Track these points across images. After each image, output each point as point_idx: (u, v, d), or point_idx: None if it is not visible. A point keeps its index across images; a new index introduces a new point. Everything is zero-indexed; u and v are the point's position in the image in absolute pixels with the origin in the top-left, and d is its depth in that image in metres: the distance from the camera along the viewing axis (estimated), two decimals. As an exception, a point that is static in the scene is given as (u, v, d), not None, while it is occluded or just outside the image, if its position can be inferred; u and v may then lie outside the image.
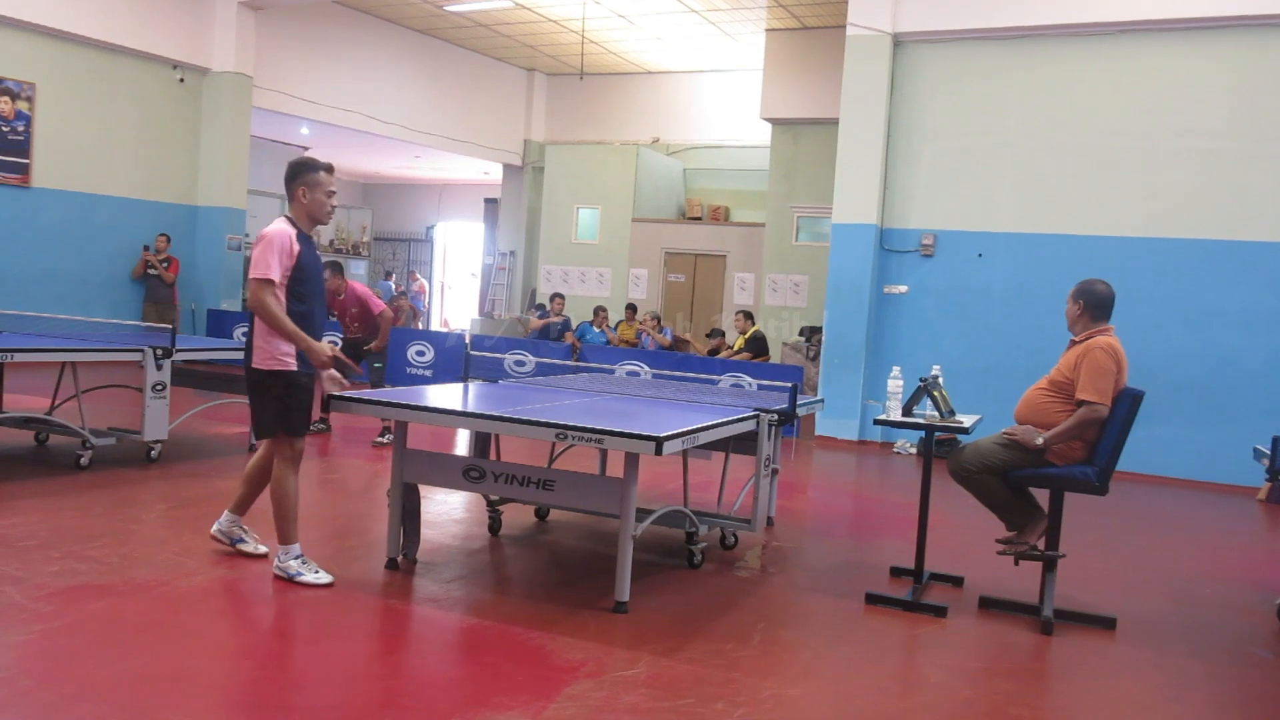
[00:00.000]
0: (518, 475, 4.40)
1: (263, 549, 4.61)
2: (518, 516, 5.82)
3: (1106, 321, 4.57)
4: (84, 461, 6.31)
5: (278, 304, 4.15)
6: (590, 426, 4.00)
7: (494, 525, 5.50)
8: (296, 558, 4.33)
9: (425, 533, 5.10)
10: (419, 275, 23.10)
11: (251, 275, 4.15)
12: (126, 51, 12.69)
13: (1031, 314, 9.78)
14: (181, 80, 13.40)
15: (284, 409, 4.28)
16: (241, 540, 4.63)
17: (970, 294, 10.22)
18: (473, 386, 5.59)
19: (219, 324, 13.17)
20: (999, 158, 10.16)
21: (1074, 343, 4.60)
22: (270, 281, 4.12)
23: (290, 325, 4.15)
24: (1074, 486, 4.46)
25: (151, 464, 6.61)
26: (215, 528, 4.66)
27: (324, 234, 18.53)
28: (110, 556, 4.48)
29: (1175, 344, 9.40)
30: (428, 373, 12.50)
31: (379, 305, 8.54)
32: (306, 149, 19.37)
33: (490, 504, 5.51)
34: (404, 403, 4.52)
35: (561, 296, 14.61)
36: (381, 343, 8.53)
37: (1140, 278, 9.45)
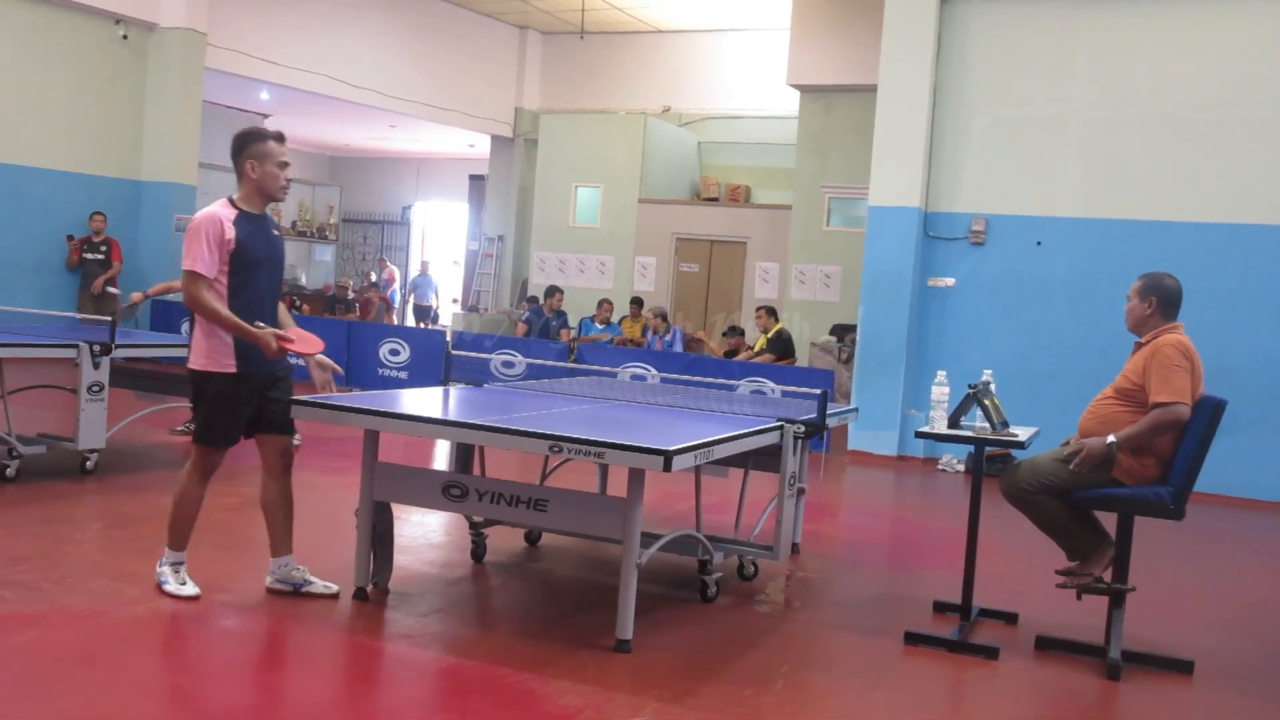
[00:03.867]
0: (505, 494, 4.40)
1: (334, 588, 4.60)
2: (505, 541, 5.82)
3: (1176, 319, 4.58)
4: (10, 473, 6.32)
5: (212, 296, 4.22)
6: (589, 438, 4.00)
7: (478, 551, 5.50)
8: (173, 564, 4.44)
9: (399, 559, 5.10)
10: (389, 263, 23.15)
11: (182, 266, 4.26)
12: (62, 4, 12.73)
13: (1098, 311, 9.74)
14: (125, 37, 13.43)
15: (209, 415, 4.36)
16: (307, 583, 4.60)
17: (1027, 288, 10.20)
18: (454, 391, 5.59)
19: (165, 317, 13.19)
20: (1061, 131, 10.13)
21: (1139, 345, 4.60)
22: (198, 275, 4.20)
23: (227, 315, 4.22)
24: (1145, 509, 4.44)
25: (87, 476, 6.62)
26: (269, 580, 4.63)
27: (285, 215, 18.57)
28: (39, 581, 4.49)
29: (1263, 345, 9.36)
30: (403, 374, 12.51)
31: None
32: (267, 116, 19.42)
33: (474, 526, 5.51)
34: (374, 409, 4.52)
35: (560, 291, 14.52)
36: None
37: (1223, 269, 9.41)
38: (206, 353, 4.31)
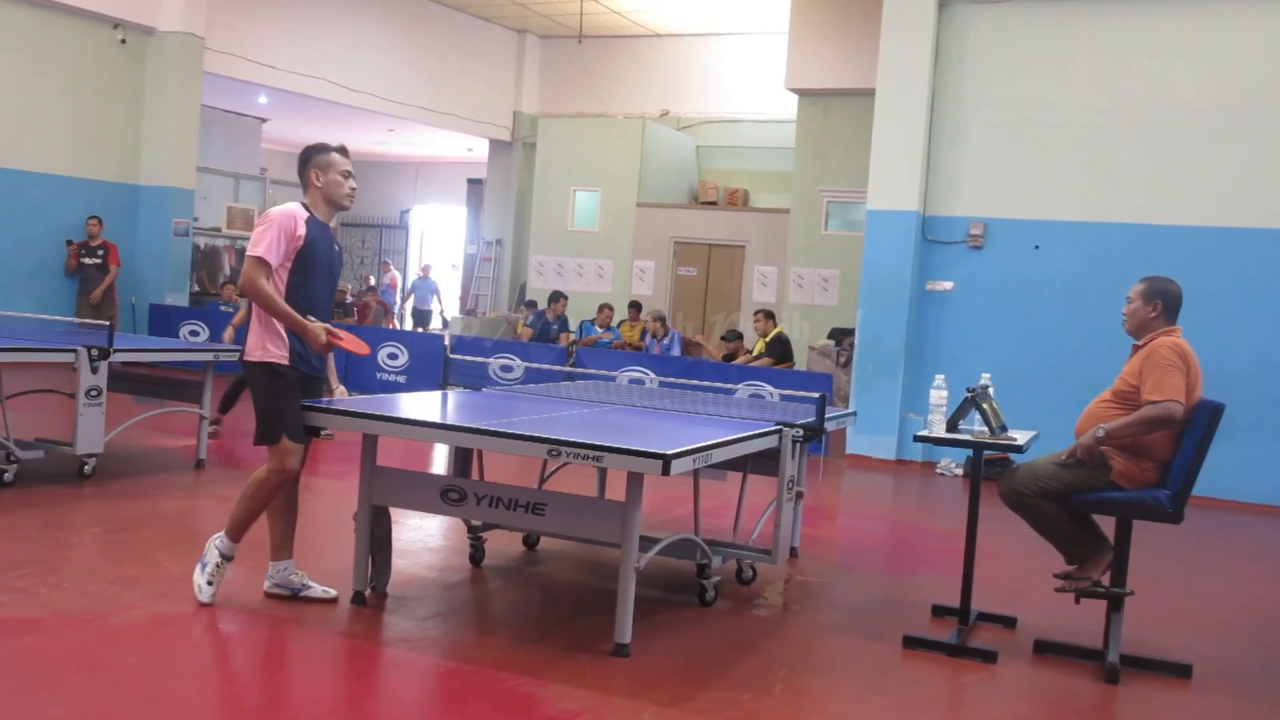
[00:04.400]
0: (504, 498, 4.40)
1: (332, 593, 4.60)
2: (503, 545, 5.82)
3: (1176, 323, 4.59)
4: (7, 477, 6.32)
5: (269, 285, 4.30)
6: (587, 442, 4.00)
7: (476, 555, 5.50)
8: (223, 558, 4.44)
9: (397, 563, 5.10)
10: (391, 266, 23.14)
11: (248, 252, 4.35)
12: (60, 8, 12.73)
13: (1096, 315, 9.76)
14: (123, 41, 13.44)
15: (269, 404, 4.37)
16: (305, 588, 4.60)
17: (1026, 291, 10.21)
18: (452, 395, 5.60)
19: (163, 321, 13.19)
20: (1059, 135, 10.15)
21: (1137, 348, 4.61)
22: (263, 261, 4.28)
23: (282, 304, 4.30)
24: (1144, 513, 4.45)
25: (85, 481, 6.62)
26: (268, 584, 4.61)
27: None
28: (37, 586, 4.49)
29: (1261, 349, 9.37)
30: (401, 378, 12.52)
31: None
32: (265, 120, 19.44)
33: (472, 530, 5.52)
34: (373, 413, 4.52)
35: (564, 297, 14.40)
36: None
37: (1221, 273, 9.43)
38: (262, 344, 4.37)
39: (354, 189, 4.62)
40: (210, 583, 4.42)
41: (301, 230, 4.37)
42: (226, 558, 4.45)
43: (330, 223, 4.62)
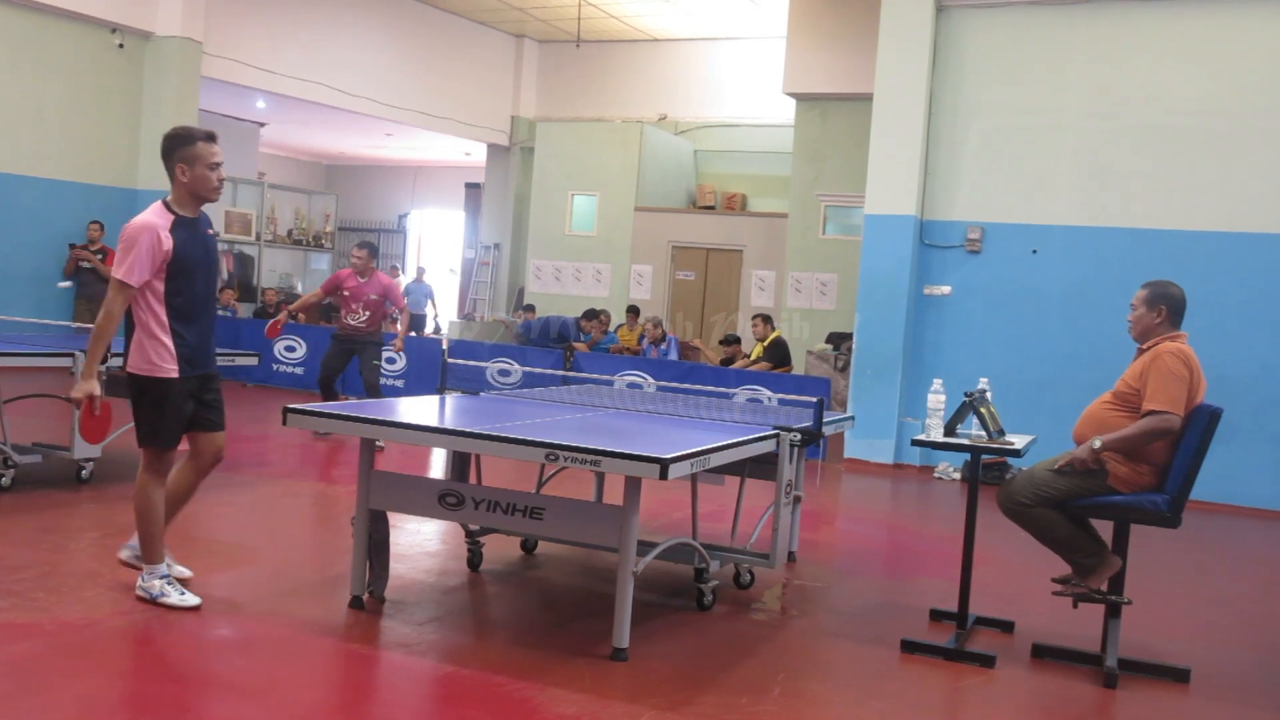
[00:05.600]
0: (501, 502, 4.40)
1: (187, 571, 4.69)
2: (501, 549, 5.82)
3: (1179, 328, 4.59)
4: (5, 482, 6.32)
5: (120, 309, 4.28)
6: (585, 446, 4.00)
7: (474, 559, 5.50)
8: (162, 577, 4.43)
9: (395, 567, 5.10)
10: (400, 271, 23.07)
11: (113, 275, 4.28)
12: (57, 12, 12.73)
13: (1093, 319, 9.78)
14: (121, 45, 13.44)
15: (155, 419, 4.38)
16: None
17: (1023, 296, 10.22)
18: (450, 399, 5.60)
19: (161, 325, 13.16)
20: (1056, 140, 10.16)
21: (1141, 351, 4.61)
22: (125, 285, 4.24)
23: (100, 347, 4.29)
24: (1141, 517, 4.45)
25: (82, 485, 6.61)
26: (125, 554, 4.65)
27: (281, 223, 18.57)
28: (34, 591, 4.48)
29: (1259, 354, 9.39)
30: (399, 383, 12.51)
31: (402, 301, 9.43)
32: (263, 125, 19.44)
33: (470, 535, 5.51)
34: (372, 417, 4.52)
35: (607, 314, 14.07)
36: (400, 342, 9.39)
37: (1218, 278, 9.44)
38: (149, 358, 4.34)
39: (223, 180, 4.47)
40: (182, 593, 4.43)
41: (167, 244, 4.26)
42: (166, 576, 4.46)
43: (198, 212, 4.46)
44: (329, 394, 9.08)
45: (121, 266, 4.22)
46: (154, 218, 4.32)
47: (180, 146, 4.38)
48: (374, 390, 9.05)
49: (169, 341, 4.33)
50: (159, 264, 4.27)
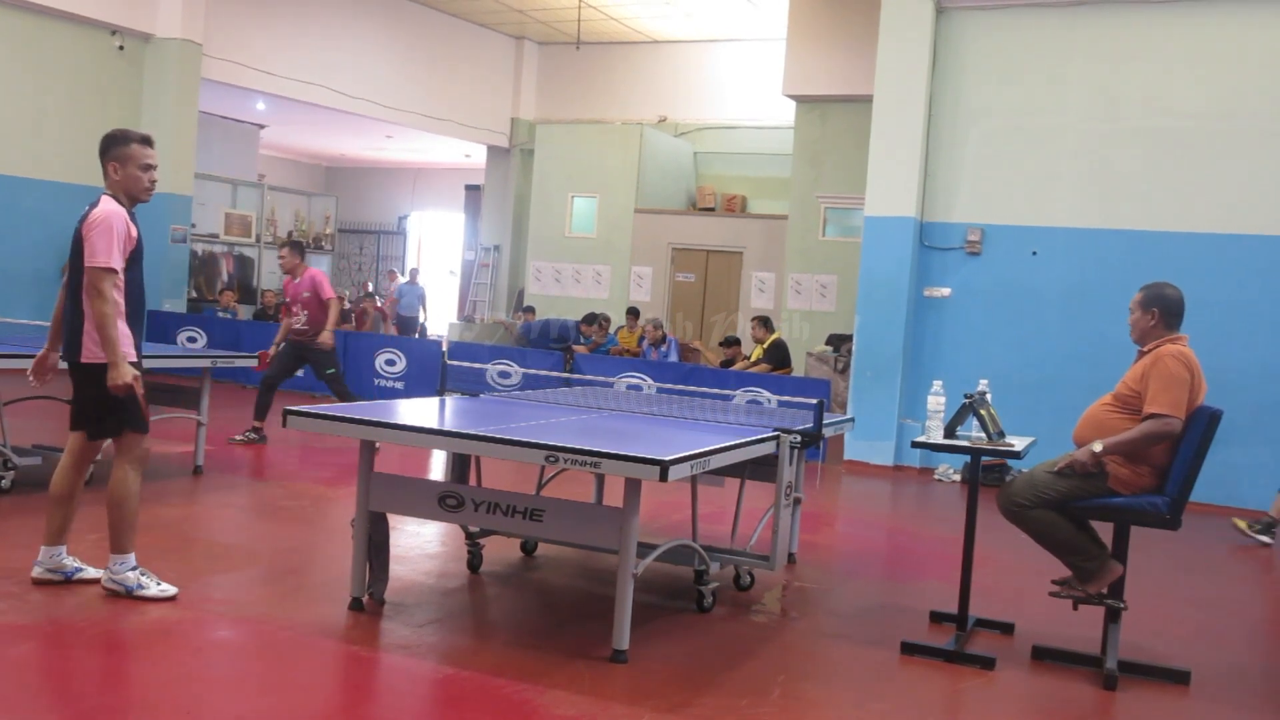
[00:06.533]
0: (501, 504, 4.40)
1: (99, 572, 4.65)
2: (501, 551, 5.82)
3: (1178, 330, 4.59)
4: (5, 484, 6.32)
5: (117, 298, 4.30)
6: (585, 448, 4.00)
7: (474, 561, 5.50)
8: (134, 569, 4.45)
9: (394, 569, 5.10)
10: (398, 274, 23.07)
11: (91, 263, 4.27)
12: (57, 15, 12.75)
13: (1093, 320, 9.78)
14: (121, 48, 13.46)
15: (132, 403, 4.39)
16: (79, 570, 4.61)
17: (1023, 297, 10.22)
18: (450, 401, 5.60)
19: (161, 327, 13.18)
20: (1056, 142, 10.17)
21: (1142, 353, 4.61)
22: (111, 270, 4.27)
23: (114, 331, 4.26)
24: (1141, 519, 4.45)
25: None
26: (37, 571, 4.57)
27: (281, 225, 18.58)
28: (34, 594, 4.48)
29: (1259, 356, 9.39)
30: (399, 384, 12.51)
31: (329, 291, 8.93)
32: (262, 126, 19.44)
33: (469, 536, 5.51)
34: (371, 419, 4.52)
35: (607, 318, 14.20)
36: (328, 334, 8.75)
37: (1218, 280, 9.44)
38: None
39: (154, 181, 4.53)
40: (159, 583, 4.46)
41: (134, 231, 4.38)
42: (136, 566, 4.47)
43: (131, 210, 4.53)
44: (265, 393, 8.84)
45: (109, 253, 4.26)
46: (115, 206, 4.39)
47: (114, 146, 4.49)
48: (344, 398, 8.83)
49: (126, 329, 4.38)
50: (127, 251, 4.36)
